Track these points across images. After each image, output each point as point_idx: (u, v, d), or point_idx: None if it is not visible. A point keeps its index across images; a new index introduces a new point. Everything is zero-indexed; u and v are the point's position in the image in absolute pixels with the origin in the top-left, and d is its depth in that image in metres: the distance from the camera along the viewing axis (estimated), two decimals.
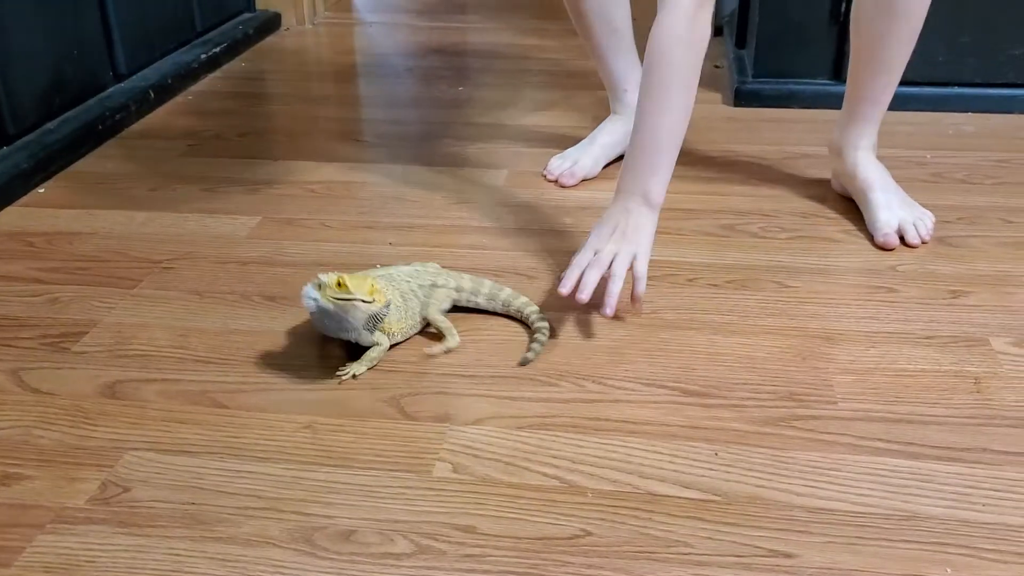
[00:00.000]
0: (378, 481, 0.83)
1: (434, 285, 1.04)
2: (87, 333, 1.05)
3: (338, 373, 0.96)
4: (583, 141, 1.48)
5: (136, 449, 0.87)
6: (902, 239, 1.21)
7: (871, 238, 1.22)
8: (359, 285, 0.93)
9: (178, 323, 1.07)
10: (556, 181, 1.43)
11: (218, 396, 0.94)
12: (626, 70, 1.42)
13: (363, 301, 0.93)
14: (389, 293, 0.98)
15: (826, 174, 1.42)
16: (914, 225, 1.22)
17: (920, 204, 1.27)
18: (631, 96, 1.38)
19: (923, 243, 1.21)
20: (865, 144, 1.29)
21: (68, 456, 0.86)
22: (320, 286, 0.95)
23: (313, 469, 0.84)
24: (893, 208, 1.24)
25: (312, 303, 0.96)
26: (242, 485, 0.82)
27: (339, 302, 0.93)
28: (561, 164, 1.44)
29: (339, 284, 0.93)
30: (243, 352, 1.02)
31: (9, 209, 1.36)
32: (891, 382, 0.94)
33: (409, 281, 1.03)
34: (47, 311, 1.10)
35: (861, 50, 1.24)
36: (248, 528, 0.77)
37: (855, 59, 1.26)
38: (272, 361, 1.00)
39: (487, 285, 1.06)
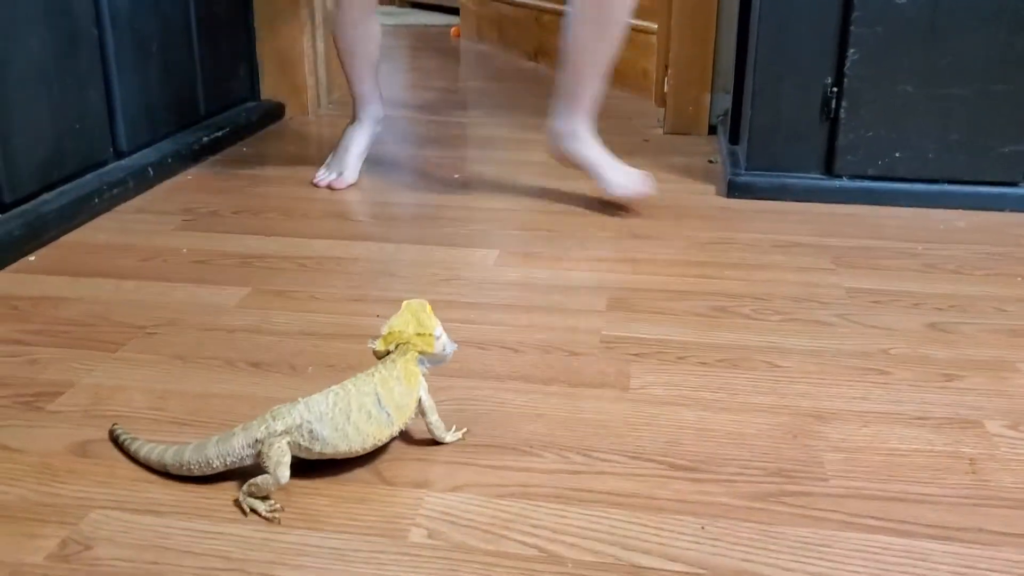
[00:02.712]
0: (350, 545, 0.79)
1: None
2: (63, 393, 1.03)
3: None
4: (338, 150, 1.84)
5: (102, 508, 0.84)
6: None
7: (862, 323, 1.22)
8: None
9: (158, 386, 1.05)
10: (329, 187, 1.79)
11: None
12: (372, 90, 1.84)
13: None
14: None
15: (819, 262, 1.42)
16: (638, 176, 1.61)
17: (913, 292, 1.32)
18: (374, 109, 1.86)
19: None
20: (587, 126, 1.64)
21: (30, 512, 0.83)
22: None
23: (284, 531, 0.81)
24: (619, 168, 1.63)
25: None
26: (209, 545, 0.79)
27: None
28: (328, 174, 1.81)
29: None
30: (222, 416, 0.99)
31: None
32: (883, 461, 0.92)
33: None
34: (25, 371, 1.08)
35: (577, 52, 1.58)
36: None
37: (570, 59, 1.60)
38: None
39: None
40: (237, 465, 0.86)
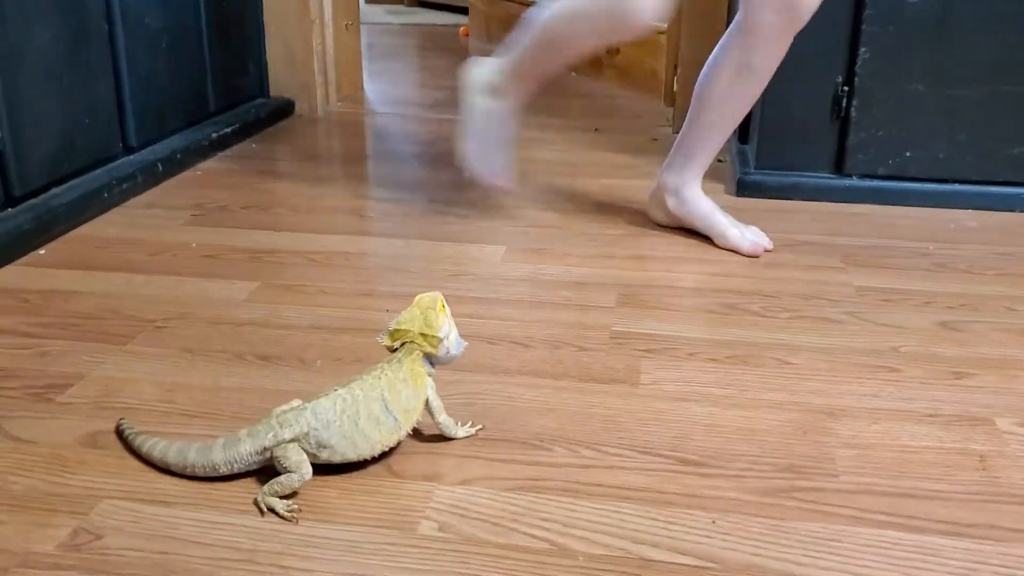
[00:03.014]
0: (360, 537, 0.79)
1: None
2: (73, 385, 1.03)
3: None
4: (489, 142, 1.55)
5: (112, 498, 0.84)
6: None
7: (872, 321, 1.21)
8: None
9: (167, 379, 1.05)
10: (496, 187, 1.63)
11: None
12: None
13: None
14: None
15: (829, 260, 1.42)
16: (753, 234, 1.47)
17: (923, 291, 1.31)
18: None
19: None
20: (698, 182, 1.52)
21: (41, 502, 0.83)
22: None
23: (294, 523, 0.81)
24: (736, 225, 1.48)
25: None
26: (218, 536, 0.79)
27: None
28: (489, 173, 1.58)
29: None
30: (231, 408, 0.99)
31: (8, 268, 1.36)
32: (894, 457, 0.92)
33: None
34: (35, 363, 1.08)
35: (709, 110, 1.45)
36: None
37: (699, 116, 1.47)
38: (259, 416, 0.97)
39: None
40: (243, 470, 0.86)
